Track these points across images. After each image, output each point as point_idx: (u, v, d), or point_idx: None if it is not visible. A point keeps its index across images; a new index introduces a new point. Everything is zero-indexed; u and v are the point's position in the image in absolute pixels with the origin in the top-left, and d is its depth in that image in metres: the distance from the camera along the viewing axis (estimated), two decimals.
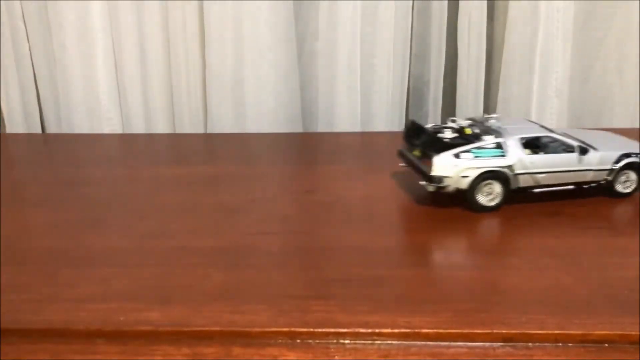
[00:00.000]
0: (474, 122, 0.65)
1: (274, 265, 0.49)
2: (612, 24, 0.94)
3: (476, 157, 0.58)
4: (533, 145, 0.61)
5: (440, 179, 0.58)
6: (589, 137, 0.64)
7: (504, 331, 0.39)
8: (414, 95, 1.01)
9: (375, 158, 0.81)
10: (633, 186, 0.62)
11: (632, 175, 0.62)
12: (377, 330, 0.40)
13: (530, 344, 0.39)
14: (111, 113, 1.00)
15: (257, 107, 0.97)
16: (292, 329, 0.40)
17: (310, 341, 0.40)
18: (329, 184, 0.69)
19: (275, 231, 0.57)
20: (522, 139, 0.60)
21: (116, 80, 1.00)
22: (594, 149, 0.61)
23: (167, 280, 0.47)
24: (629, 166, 0.62)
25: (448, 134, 0.61)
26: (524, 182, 0.59)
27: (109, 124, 1.00)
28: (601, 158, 0.61)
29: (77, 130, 1.00)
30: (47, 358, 0.39)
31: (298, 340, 0.40)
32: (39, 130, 1.02)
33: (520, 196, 0.60)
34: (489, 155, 0.58)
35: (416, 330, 0.40)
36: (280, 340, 0.40)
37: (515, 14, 0.93)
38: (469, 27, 0.94)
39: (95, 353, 0.39)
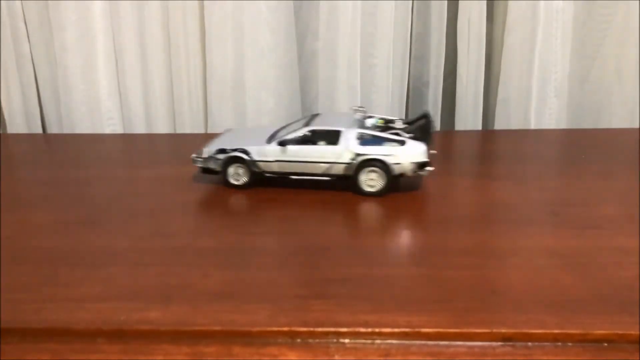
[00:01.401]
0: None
1: (274, 265, 0.49)
2: (611, 24, 0.94)
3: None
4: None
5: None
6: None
7: (503, 330, 0.39)
8: (414, 95, 1.01)
9: None
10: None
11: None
12: (377, 330, 0.40)
13: (529, 343, 0.39)
14: (112, 113, 1.00)
15: (257, 107, 0.97)
16: (292, 329, 0.40)
17: (310, 340, 0.40)
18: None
19: (275, 231, 0.57)
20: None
21: (117, 81, 1.00)
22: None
23: (167, 279, 0.47)
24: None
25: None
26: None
27: (110, 124, 1.01)
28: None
29: (78, 130, 1.00)
30: (48, 358, 0.39)
31: (298, 340, 0.40)
32: (40, 131, 1.03)
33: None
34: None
35: (416, 330, 0.40)
36: (280, 340, 0.40)
37: (514, 14, 0.93)
38: (468, 28, 0.94)
39: (95, 352, 0.39)
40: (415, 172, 0.63)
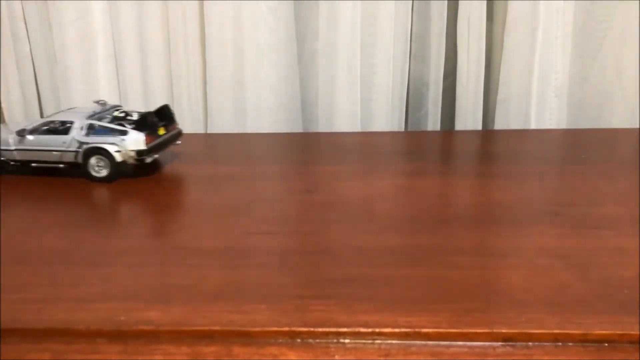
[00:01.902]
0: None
1: (274, 265, 0.49)
2: (611, 24, 0.94)
3: None
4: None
5: None
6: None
7: (503, 331, 0.39)
8: (414, 95, 1.01)
9: (375, 158, 0.81)
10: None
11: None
12: (377, 330, 0.40)
13: (530, 343, 0.39)
14: None
15: (257, 107, 0.97)
16: (293, 329, 0.40)
17: (310, 341, 0.40)
18: (329, 184, 0.69)
19: (275, 231, 0.57)
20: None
21: (117, 80, 1.00)
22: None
23: (167, 279, 0.47)
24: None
25: None
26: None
27: None
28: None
29: None
30: (48, 358, 0.39)
31: (298, 340, 0.40)
32: None
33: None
34: None
35: (416, 330, 0.40)
36: (280, 340, 0.40)
37: (514, 14, 0.93)
38: (468, 28, 0.94)
39: (95, 353, 0.39)
40: (136, 159, 0.69)
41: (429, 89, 0.99)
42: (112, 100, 1.00)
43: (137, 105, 1.00)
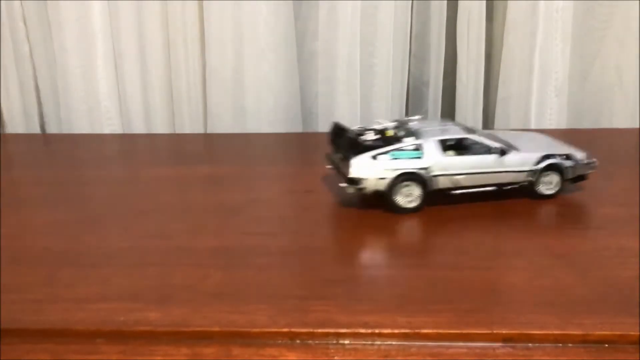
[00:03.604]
0: (399, 125, 0.64)
1: (274, 265, 0.49)
2: (611, 23, 0.94)
3: (394, 159, 0.58)
4: (457, 147, 0.61)
5: (358, 181, 0.58)
6: (514, 138, 0.64)
7: (503, 331, 0.39)
8: (414, 95, 1.01)
9: None
10: (555, 188, 0.62)
11: (554, 177, 0.62)
12: (377, 331, 0.40)
13: (530, 344, 0.39)
14: (111, 113, 1.00)
15: (257, 107, 0.97)
16: (292, 330, 0.40)
17: (310, 341, 0.40)
18: (329, 184, 0.69)
19: (275, 231, 0.57)
20: (442, 140, 0.60)
21: (116, 81, 1.00)
22: (516, 149, 0.61)
23: (167, 280, 0.47)
24: (550, 167, 0.61)
25: (369, 136, 0.61)
26: (442, 183, 0.59)
27: (109, 124, 1.00)
28: (522, 159, 0.61)
29: (77, 131, 1.00)
30: (47, 358, 0.39)
31: (298, 341, 0.40)
32: (39, 131, 1.03)
33: (443, 197, 0.59)
34: (406, 157, 0.58)
35: (416, 331, 0.39)
36: (280, 341, 0.40)
37: (514, 13, 0.93)
38: (468, 27, 0.94)
39: (95, 353, 0.39)
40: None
41: (429, 88, 0.99)
42: (111, 100, 1.00)
43: (137, 106, 1.00)
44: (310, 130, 1.00)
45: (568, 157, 0.62)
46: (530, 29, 0.93)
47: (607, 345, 0.39)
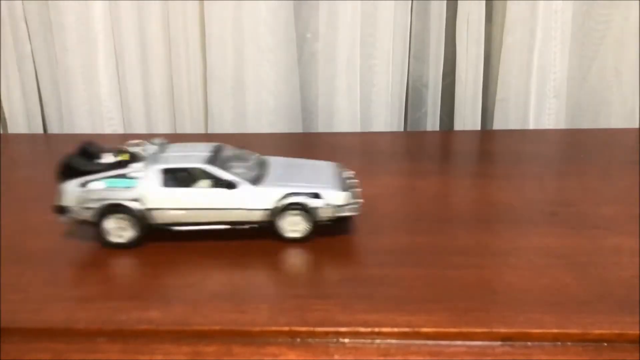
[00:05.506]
0: (150, 147, 0.56)
1: (274, 265, 0.49)
2: (610, 24, 0.94)
3: (109, 187, 0.52)
4: (190, 177, 0.52)
5: (65, 209, 0.52)
6: (286, 168, 0.56)
7: (502, 330, 0.39)
8: (413, 95, 1.01)
9: (374, 158, 0.81)
10: (303, 231, 0.52)
11: (300, 218, 0.52)
12: (376, 329, 0.40)
13: (529, 343, 0.39)
14: (112, 113, 1.00)
15: (257, 107, 0.97)
16: (292, 328, 0.40)
17: (310, 340, 0.40)
18: None
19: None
20: (166, 170, 0.52)
21: (117, 81, 1.00)
22: (254, 183, 0.52)
23: (167, 280, 0.47)
24: (293, 206, 0.52)
25: (106, 158, 0.54)
26: (159, 218, 0.52)
27: (110, 124, 1.01)
28: (257, 195, 0.52)
29: (79, 131, 1.00)
30: (48, 358, 0.39)
31: (298, 339, 0.40)
32: (41, 131, 1.03)
33: (167, 234, 0.52)
34: (122, 186, 0.51)
35: (415, 329, 0.40)
36: (280, 339, 0.40)
37: (513, 14, 0.93)
38: (467, 28, 0.95)
39: (95, 352, 0.39)
40: None
41: (428, 89, 0.99)
42: (112, 100, 1.00)
43: (138, 106, 1.00)
44: (310, 130, 1.00)
45: (317, 195, 0.52)
46: (530, 30, 0.93)
47: (606, 343, 0.39)
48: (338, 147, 0.86)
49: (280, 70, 0.96)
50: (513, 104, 0.97)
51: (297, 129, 0.99)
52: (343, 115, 0.98)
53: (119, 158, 0.54)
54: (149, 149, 0.55)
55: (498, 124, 0.98)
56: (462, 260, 0.49)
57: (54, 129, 1.02)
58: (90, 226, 0.52)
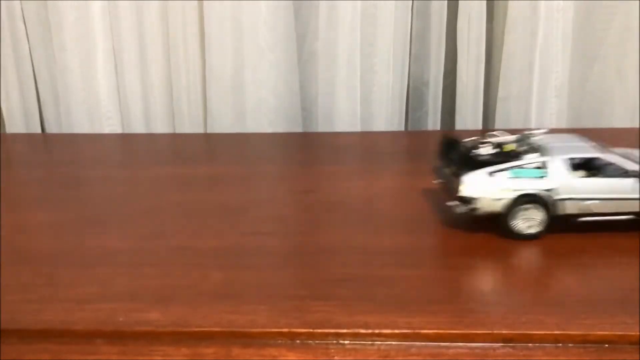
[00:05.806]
0: (520, 138, 0.57)
1: (274, 265, 0.49)
2: (611, 24, 0.94)
3: (514, 177, 0.51)
4: (585, 166, 0.53)
5: (470, 200, 0.51)
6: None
7: (503, 332, 0.39)
8: (414, 95, 1.01)
9: (375, 158, 0.81)
10: None
11: None
12: (377, 331, 0.40)
13: (530, 344, 0.39)
14: (111, 113, 1.00)
15: (257, 107, 0.97)
16: (292, 330, 0.40)
17: (310, 342, 0.40)
18: (329, 184, 0.69)
19: (275, 231, 0.57)
20: (571, 159, 0.52)
21: (116, 81, 1.00)
22: None
23: (167, 280, 0.47)
24: None
25: (485, 150, 0.54)
26: (569, 208, 0.52)
27: (109, 124, 1.00)
28: None
29: (77, 130, 1.00)
30: (47, 358, 0.39)
31: (298, 341, 0.40)
32: (39, 130, 1.03)
33: (565, 225, 0.52)
34: (528, 176, 0.51)
35: (416, 331, 0.39)
36: (280, 341, 0.40)
37: (514, 13, 0.93)
38: (468, 27, 0.94)
39: (94, 353, 0.39)
40: None
41: (429, 88, 0.99)
42: (111, 100, 1.00)
43: (136, 105, 1.00)
44: (310, 130, 1.00)
45: None
46: (531, 29, 0.93)
47: (607, 345, 0.39)
48: (338, 147, 0.86)
49: (280, 69, 0.96)
50: (514, 103, 0.97)
51: (297, 128, 0.99)
52: (343, 115, 0.98)
53: (500, 150, 0.54)
54: (536, 139, 0.55)
55: (499, 124, 0.98)
56: (463, 261, 0.49)
57: (52, 128, 1.02)
58: (485, 217, 0.52)
